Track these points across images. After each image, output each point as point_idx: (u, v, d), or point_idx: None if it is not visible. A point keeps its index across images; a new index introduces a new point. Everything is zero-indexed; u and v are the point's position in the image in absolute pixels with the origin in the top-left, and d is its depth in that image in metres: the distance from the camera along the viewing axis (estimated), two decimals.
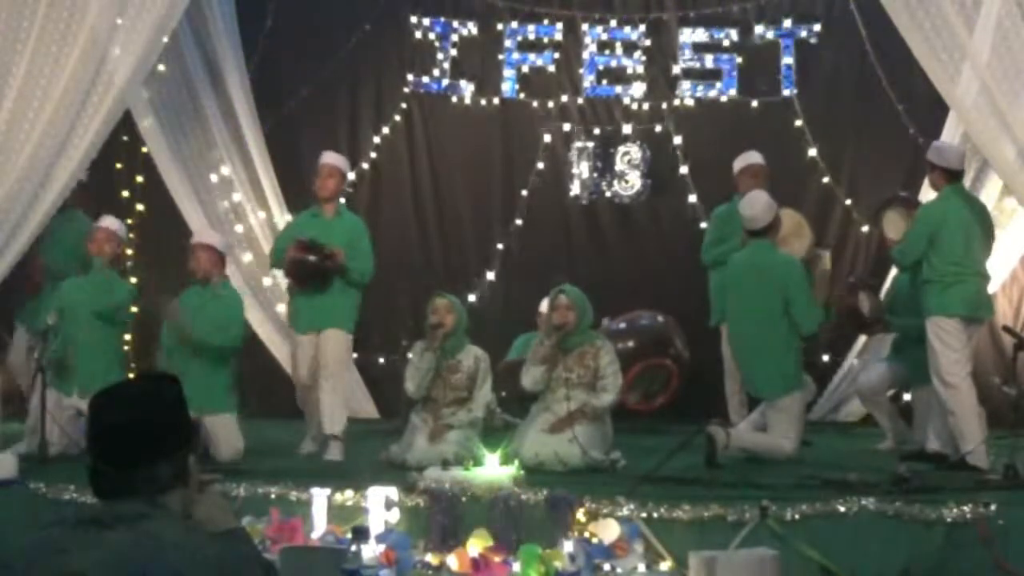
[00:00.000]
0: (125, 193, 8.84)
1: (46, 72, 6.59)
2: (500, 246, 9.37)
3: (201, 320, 6.55)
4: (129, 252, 8.70)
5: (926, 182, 6.82)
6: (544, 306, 8.05)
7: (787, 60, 9.29)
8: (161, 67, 8.18)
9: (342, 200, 7.35)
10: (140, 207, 9.01)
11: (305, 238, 6.77)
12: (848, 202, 9.04)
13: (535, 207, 9.40)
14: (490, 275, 9.33)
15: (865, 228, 8.88)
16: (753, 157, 7.58)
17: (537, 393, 6.39)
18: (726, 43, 9.36)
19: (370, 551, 4.80)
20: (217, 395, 6.52)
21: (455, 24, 9.54)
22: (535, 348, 6.45)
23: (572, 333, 6.29)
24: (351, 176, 9.37)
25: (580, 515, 4.91)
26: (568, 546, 4.75)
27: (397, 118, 9.52)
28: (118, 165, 8.71)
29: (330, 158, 7.07)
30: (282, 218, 8.73)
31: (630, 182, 9.33)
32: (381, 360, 9.13)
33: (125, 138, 8.61)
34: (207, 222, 8.61)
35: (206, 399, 6.24)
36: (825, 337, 8.47)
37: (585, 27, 9.49)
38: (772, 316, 6.37)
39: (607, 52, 9.48)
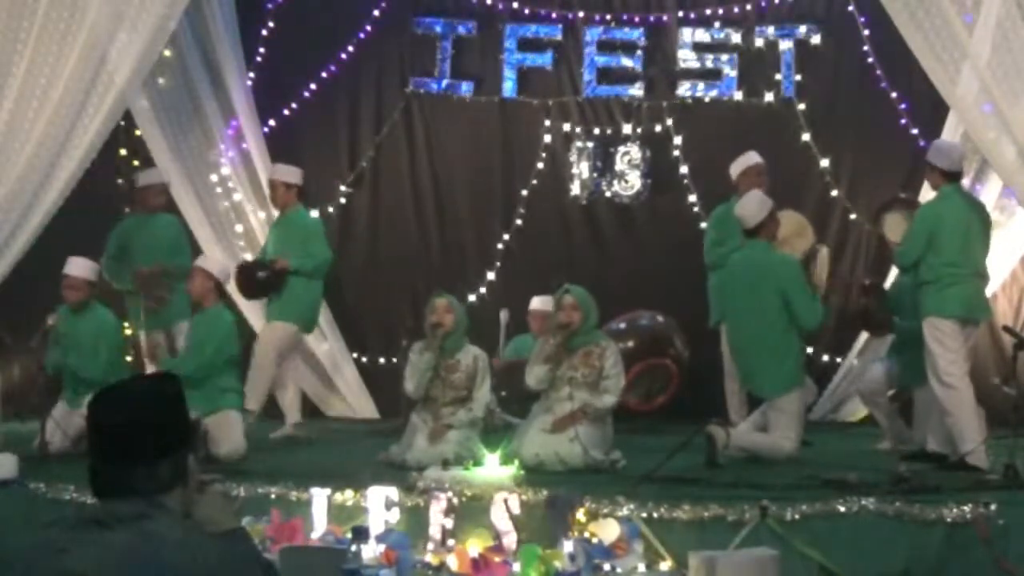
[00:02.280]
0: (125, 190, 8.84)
1: (46, 72, 6.60)
2: (500, 246, 9.37)
3: (191, 342, 6.71)
4: None
5: (927, 183, 6.82)
6: (535, 305, 8.10)
7: (787, 60, 9.28)
8: (161, 80, 8.25)
9: (303, 205, 8.04)
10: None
11: (250, 261, 7.83)
12: (848, 202, 9.04)
13: (535, 207, 9.39)
14: (490, 275, 9.33)
15: (865, 228, 8.88)
16: (753, 158, 7.57)
17: (539, 392, 6.39)
18: (726, 43, 9.36)
19: (370, 551, 4.80)
20: (222, 395, 6.57)
21: (455, 24, 9.54)
22: (540, 346, 6.45)
23: (577, 332, 6.29)
24: (351, 176, 9.45)
25: (580, 515, 4.90)
26: (568, 546, 4.75)
27: (397, 118, 9.52)
28: (118, 162, 8.70)
29: (273, 173, 8.02)
30: None
31: (630, 182, 9.32)
32: (381, 360, 9.15)
33: (124, 149, 8.63)
34: (207, 221, 8.62)
35: (210, 399, 6.38)
36: (826, 336, 8.50)
37: (585, 27, 9.49)
38: (770, 315, 6.38)
39: (607, 52, 9.48)
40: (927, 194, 7.03)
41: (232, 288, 7.69)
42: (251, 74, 9.13)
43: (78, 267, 6.94)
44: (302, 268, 7.55)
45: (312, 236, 7.74)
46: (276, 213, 8.77)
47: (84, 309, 6.94)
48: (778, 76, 9.25)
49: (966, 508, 4.70)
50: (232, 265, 7.81)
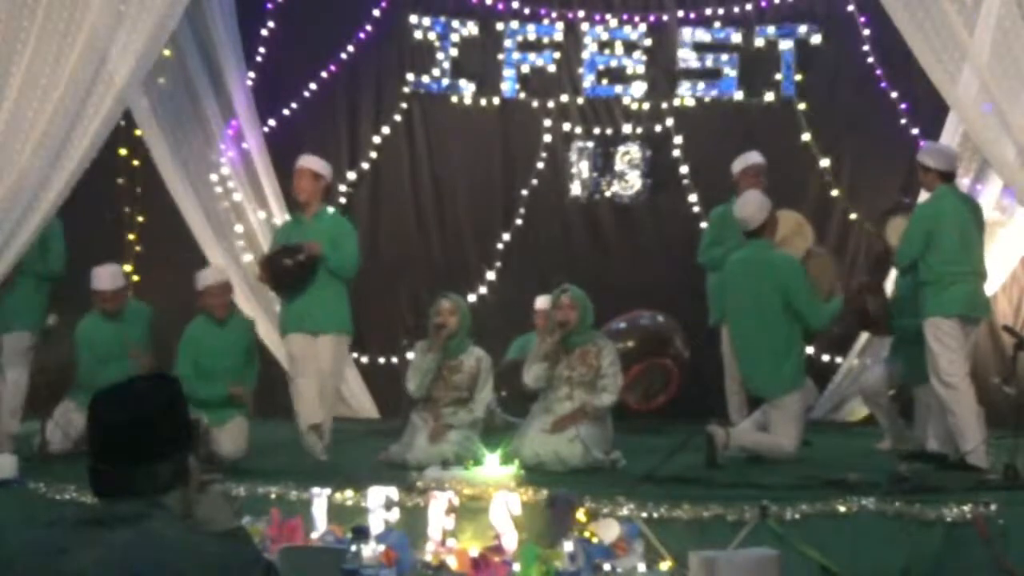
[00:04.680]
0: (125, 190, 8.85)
1: (46, 72, 6.58)
2: (500, 246, 9.37)
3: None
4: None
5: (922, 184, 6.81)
6: (540, 303, 8.10)
7: (787, 60, 9.28)
8: (161, 80, 8.20)
9: (329, 205, 7.22)
10: (140, 216, 9.00)
11: (277, 246, 6.89)
12: (848, 202, 9.04)
13: (535, 207, 9.39)
14: (490, 275, 9.33)
15: (865, 228, 8.87)
16: (754, 157, 7.59)
17: (538, 392, 6.39)
18: (726, 43, 9.36)
19: (370, 551, 4.80)
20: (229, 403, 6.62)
21: (455, 24, 9.53)
22: (537, 345, 6.47)
23: (574, 332, 6.30)
24: (351, 175, 9.44)
25: (580, 515, 4.91)
26: (568, 546, 4.75)
27: (397, 118, 9.51)
28: (118, 162, 8.69)
29: (303, 161, 7.03)
30: (282, 218, 8.72)
31: (630, 182, 9.32)
32: (381, 360, 9.14)
33: (124, 148, 8.62)
34: (207, 221, 8.61)
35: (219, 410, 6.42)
36: (828, 336, 8.49)
37: (585, 27, 9.48)
38: (771, 315, 6.38)
39: (607, 52, 9.47)
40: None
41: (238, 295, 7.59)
42: (251, 74, 9.13)
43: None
44: (332, 262, 6.75)
45: (349, 236, 6.95)
46: (277, 212, 8.80)
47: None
48: (778, 76, 9.26)
49: (966, 508, 4.71)
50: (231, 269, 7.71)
